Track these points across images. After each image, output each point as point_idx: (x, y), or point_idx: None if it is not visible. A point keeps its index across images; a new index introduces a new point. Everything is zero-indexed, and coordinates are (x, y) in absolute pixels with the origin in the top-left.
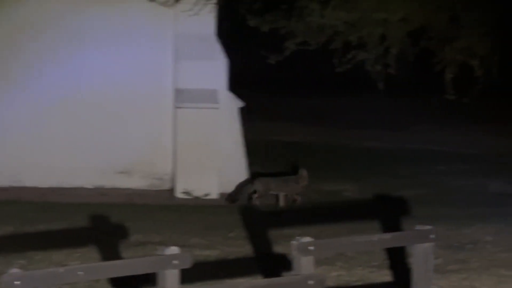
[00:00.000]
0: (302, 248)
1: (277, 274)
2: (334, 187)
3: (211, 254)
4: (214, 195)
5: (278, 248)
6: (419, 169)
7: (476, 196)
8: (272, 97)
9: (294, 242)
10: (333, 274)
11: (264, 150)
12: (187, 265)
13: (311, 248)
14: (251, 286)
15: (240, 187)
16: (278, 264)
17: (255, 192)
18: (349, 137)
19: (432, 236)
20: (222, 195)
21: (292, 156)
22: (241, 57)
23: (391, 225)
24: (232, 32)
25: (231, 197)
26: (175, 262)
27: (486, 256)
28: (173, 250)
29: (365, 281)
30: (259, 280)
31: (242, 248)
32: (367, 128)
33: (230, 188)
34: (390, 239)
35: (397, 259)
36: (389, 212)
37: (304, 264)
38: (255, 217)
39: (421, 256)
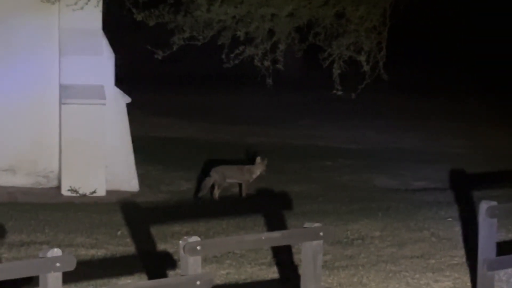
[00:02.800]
0: (189, 248)
1: (163, 273)
2: None
3: (97, 253)
4: (101, 192)
5: (165, 246)
6: (305, 164)
7: (362, 191)
8: (159, 93)
9: (181, 242)
10: (221, 272)
11: (150, 146)
12: (71, 267)
13: (199, 248)
14: (136, 287)
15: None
16: (164, 263)
17: (213, 184)
18: (233, 133)
19: (321, 233)
20: (109, 192)
21: (179, 153)
22: (129, 52)
23: (277, 221)
24: (119, 26)
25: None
26: (58, 264)
27: (374, 251)
28: (56, 252)
29: (254, 279)
30: (145, 282)
31: (129, 246)
32: (252, 124)
33: (117, 185)
34: (279, 237)
35: (285, 256)
36: (275, 208)
37: (192, 264)
38: (141, 214)
39: (310, 254)
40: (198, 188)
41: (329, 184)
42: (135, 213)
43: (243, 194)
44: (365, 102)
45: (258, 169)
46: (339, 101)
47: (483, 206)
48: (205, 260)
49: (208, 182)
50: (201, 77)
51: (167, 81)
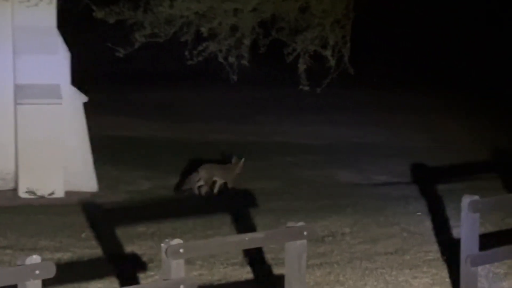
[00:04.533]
0: (172, 251)
1: (134, 276)
2: None
3: (63, 256)
4: (60, 193)
5: (132, 248)
6: (267, 161)
7: (327, 187)
8: (116, 91)
9: (163, 245)
10: (194, 273)
11: (109, 146)
12: (51, 274)
13: (182, 250)
14: None
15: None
16: (134, 265)
17: (199, 180)
18: (193, 131)
19: (305, 233)
20: (68, 193)
21: (138, 152)
22: (84, 50)
23: (244, 219)
24: (73, 24)
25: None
26: (37, 272)
27: (346, 248)
28: (35, 259)
29: (228, 279)
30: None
31: (95, 249)
32: (212, 121)
33: (76, 186)
34: (262, 238)
35: (256, 256)
36: (240, 206)
37: (175, 268)
38: (104, 215)
39: (294, 254)
40: (181, 182)
41: (293, 180)
42: (97, 214)
43: (216, 190)
44: (327, 97)
45: (236, 168)
46: (300, 97)
47: (466, 201)
48: None
49: (195, 177)
50: (159, 74)
51: (124, 79)
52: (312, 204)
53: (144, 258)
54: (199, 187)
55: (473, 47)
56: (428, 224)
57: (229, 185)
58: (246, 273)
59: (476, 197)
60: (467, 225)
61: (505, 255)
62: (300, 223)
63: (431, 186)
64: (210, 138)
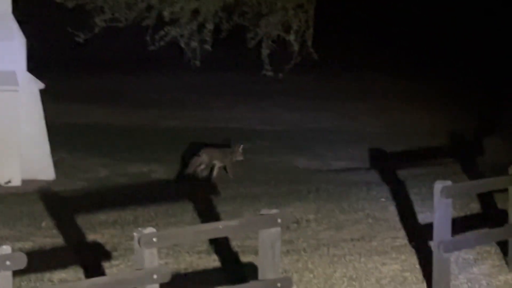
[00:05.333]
0: (145, 240)
1: (98, 265)
2: (141, 168)
3: (24, 246)
4: (16, 181)
5: (94, 236)
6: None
7: (286, 173)
8: (70, 78)
9: (136, 234)
10: (159, 262)
11: (65, 133)
12: (22, 265)
13: (155, 239)
14: (92, 284)
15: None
16: (97, 254)
17: (200, 164)
18: (147, 117)
19: (279, 220)
20: (24, 181)
21: (94, 139)
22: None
23: (206, 207)
24: (31, 9)
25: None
26: (8, 263)
27: (312, 235)
28: (5, 250)
29: (195, 268)
30: (100, 278)
31: (56, 238)
32: (165, 108)
33: (33, 174)
34: (236, 225)
35: (222, 243)
36: (201, 193)
37: (148, 257)
38: (63, 203)
39: (268, 241)
40: (182, 170)
41: (250, 166)
42: (56, 203)
43: (230, 176)
44: (286, 83)
45: (236, 153)
46: (258, 82)
47: (438, 186)
48: None
49: (196, 161)
50: (118, 60)
51: (81, 65)
52: (273, 191)
53: (107, 247)
54: (200, 170)
55: (439, 30)
56: (392, 209)
57: (228, 170)
58: (213, 261)
59: (448, 183)
60: (440, 211)
61: (477, 241)
62: (274, 210)
63: (392, 172)
64: (163, 124)
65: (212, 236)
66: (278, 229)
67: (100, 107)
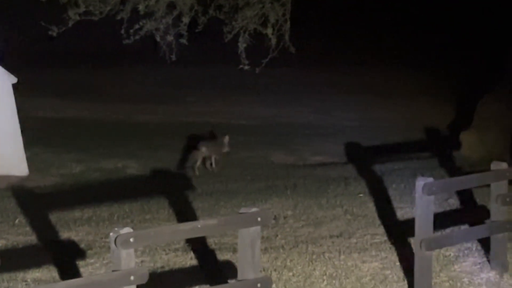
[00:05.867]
0: (122, 240)
1: (73, 264)
2: (116, 164)
3: None
4: None
5: (69, 234)
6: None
7: (262, 168)
8: (43, 72)
9: (112, 234)
10: (135, 261)
11: (38, 128)
12: None
13: (132, 240)
14: (67, 286)
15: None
16: (72, 253)
17: (200, 157)
18: (122, 112)
19: (259, 219)
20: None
21: (68, 134)
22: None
23: (182, 202)
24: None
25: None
26: None
27: (290, 232)
28: None
29: (172, 266)
30: (76, 280)
31: (30, 236)
32: (140, 102)
33: (6, 169)
34: (215, 224)
35: (199, 240)
36: (176, 188)
37: (125, 258)
38: (36, 199)
39: (247, 240)
40: (182, 161)
41: (226, 161)
42: (29, 199)
43: (217, 169)
44: (262, 77)
45: (224, 145)
46: (234, 76)
47: (420, 183)
48: None
49: (197, 154)
50: (92, 54)
51: (54, 59)
52: (250, 186)
53: (82, 245)
54: (197, 163)
55: (417, 23)
56: (371, 205)
57: (218, 162)
58: (190, 259)
59: (430, 179)
60: (421, 208)
61: (459, 238)
62: (254, 209)
63: (369, 167)
64: (138, 119)
65: (191, 235)
66: (258, 228)
67: (74, 101)
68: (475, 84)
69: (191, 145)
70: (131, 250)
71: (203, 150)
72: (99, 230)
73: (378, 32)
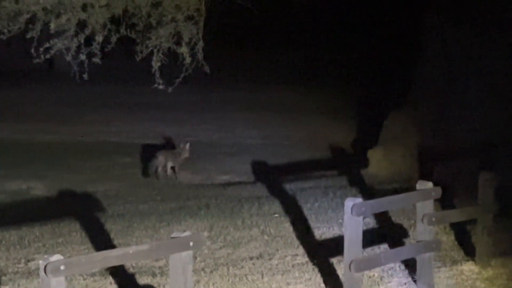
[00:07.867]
0: (52, 268)
1: None
2: (20, 185)
3: None
4: None
5: None
6: (103, 162)
7: (170, 188)
8: None
9: (41, 262)
10: None
11: None
12: None
13: (63, 267)
14: None
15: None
16: None
17: (158, 164)
18: (21, 131)
19: (191, 243)
20: None
21: None
22: None
23: (94, 224)
24: None
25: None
26: None
27: (208, 254)
28: None
29: None
30: None
31: None
32: (39, 121)
33: None
34: (147, 250)
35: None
36: (85, 210)
37: (55, 286)
38: None
39: (179, 266)
40: (145, 169)
41: (134, 182)
42: None
43: (177, 176)
44: (168, 95)
45: (184, 151)
46: (140, 94)
47: (349, 204)
48: (29, 273)
49: (154, 162)
50: None
51: None
52: (161, 207)
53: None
54: (157, 170)
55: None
56: (287, 225)
57: (176, 169)
58: (109, 284)
59: (359, 200)
60: (350, 229)
61: (387, 259)
62: (186, 233)
63: (279, 186)
64: (39, 138)
65: (123, 262)
66: (190, 252)
67: None
68: (380, 102)
69: (151, 154)
70: (62, 278)
71: (160, 158)
72: (10, 255)
73: (278, 50)
